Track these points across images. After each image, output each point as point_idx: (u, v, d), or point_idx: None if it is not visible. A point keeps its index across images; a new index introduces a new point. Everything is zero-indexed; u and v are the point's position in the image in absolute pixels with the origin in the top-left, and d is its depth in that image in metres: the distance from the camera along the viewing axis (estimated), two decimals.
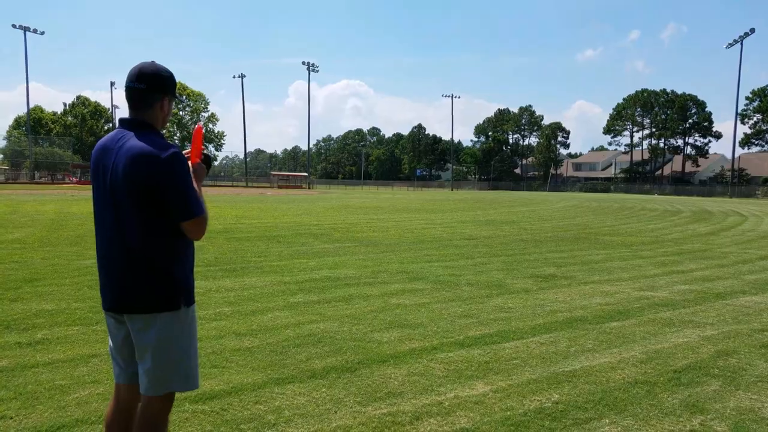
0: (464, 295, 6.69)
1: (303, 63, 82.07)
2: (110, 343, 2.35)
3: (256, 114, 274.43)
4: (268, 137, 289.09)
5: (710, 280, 8.20)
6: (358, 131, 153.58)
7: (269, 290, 6.74)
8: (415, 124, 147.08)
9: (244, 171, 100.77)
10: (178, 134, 78.04)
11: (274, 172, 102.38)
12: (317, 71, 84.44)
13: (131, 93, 2.25)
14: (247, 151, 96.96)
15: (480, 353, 4.47)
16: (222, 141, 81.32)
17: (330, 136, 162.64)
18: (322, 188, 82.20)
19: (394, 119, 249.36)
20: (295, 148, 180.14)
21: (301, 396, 3.54)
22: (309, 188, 73.76)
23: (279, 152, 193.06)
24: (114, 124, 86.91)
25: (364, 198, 41.60)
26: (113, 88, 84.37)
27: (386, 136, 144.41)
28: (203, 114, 79.04)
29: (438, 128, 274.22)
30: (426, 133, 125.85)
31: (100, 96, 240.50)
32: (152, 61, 2.33)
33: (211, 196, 37.25)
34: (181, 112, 77.44)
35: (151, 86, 2.25)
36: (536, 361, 4.31)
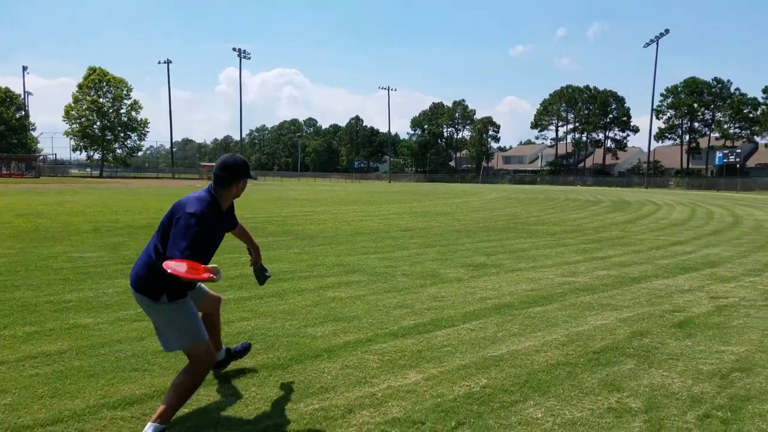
0: (399, 286, 6.79)
1: (234, 49, 79.84)
2: None
3: (185, 101, 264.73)
4: (198, 125, 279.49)
5: (627, 265, 8.73)
6: (294, 121, 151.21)
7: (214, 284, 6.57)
8: (353, 115, 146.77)
9: (170, 162, 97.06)
10: (98, 123, 73.88)
11: (203, 163, 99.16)
12: (249, 58, 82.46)
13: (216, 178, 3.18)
14: (173, 141, 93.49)
15: (413, 342, 4.56)
16: (146, 129, 77.65)
17: (264, 125, 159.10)
18: (257, 180, 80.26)
19: (332, 110, 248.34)
20: (227, 138, 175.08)
21: (230, 396, 3.49)
22: None
23: (209, 142, 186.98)
24: (26, 112, 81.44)
25: (300, 190, 41.15)
26: (26, 73, 79.09)
27: (323, 127, 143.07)
28: (125, 101, 75.04)
29: (376, 120, 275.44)
30: (364, 125, 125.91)
31: (11, 81, 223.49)
32: (231, 154, 3.29)
33: (134, 188, 35.68)
34: (101, 99, 73.21)
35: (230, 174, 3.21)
36: (466, 347, 4.45)
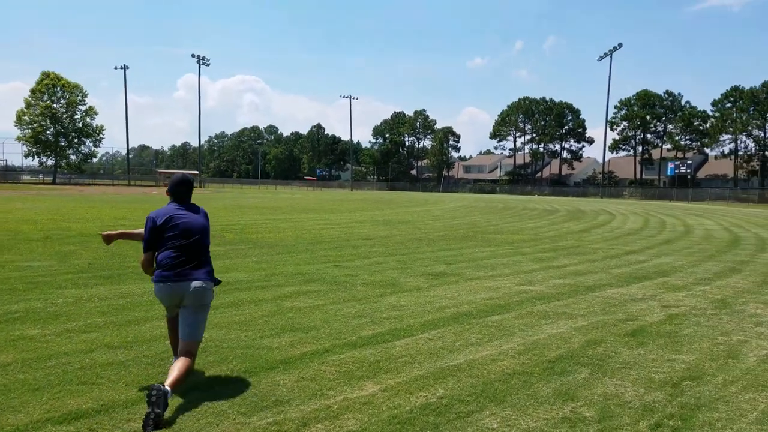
0: (359, 295, 6.73)
1: (193, 55, 78.72)
2: None
3: (142, 107, 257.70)
4: (156, 131, 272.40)
5: (582, 274, 8.91)
6: (254, 128, 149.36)
7: (149, 298, 6.32)
8: (315, 123, 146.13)
9: (126, 168, 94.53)
10: (52, 129, 71.37)
11: (159, 170, 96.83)
12: (208, 65, 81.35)
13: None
14: (130, 147, 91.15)
15: (372, 353, 4.51)
16: (101, 136, 75.41)
17: (224, 132, 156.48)
18: (215, 187, 79.11)
19: (293, 117, 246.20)
20: (185, 145, 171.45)
21: (180, 411, 3.35)
22: (200, 187, 70.59)
23: (167, 148, 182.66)
24: None
25: (260, 198, 40.61)
26: None
27: (284, 135, 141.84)
28: (80, 107, 72.70)
29: (338, 128, 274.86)
30: (325, 133, 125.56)
31: None
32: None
33: (88, 195, 34.51)
34: (54, 105, 70.76)
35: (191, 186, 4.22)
36: (424, 357, 4.42)
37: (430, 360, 4.37)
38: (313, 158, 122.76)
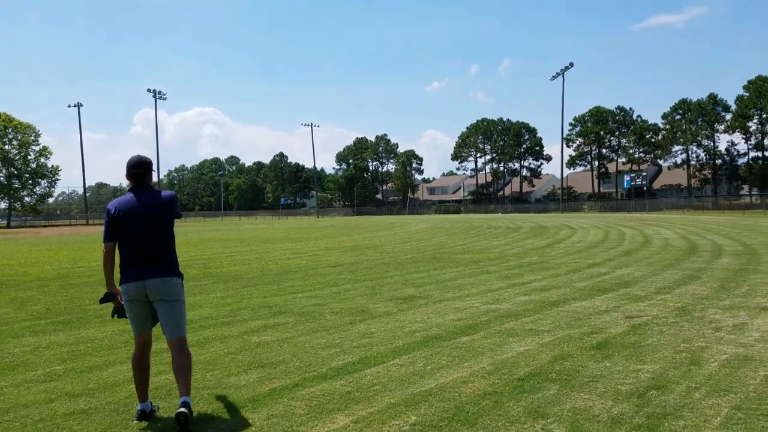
0: (328, 325, 6.67)
1: (149, 90, 77.96)
2: None
3: (99, 144, 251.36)
4: (113, 168, 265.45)
5: (547, 289, 9.06)
6: (215, 160, 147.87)
7: (110, 342, 6.14)
8: (277, 152, 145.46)
9: (84, 207, 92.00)
10: (4, 171, 69.15)
11: None
12: (165, 98, 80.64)
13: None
14: (87, 185, 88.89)
15: (342, 384, 4.46)
16: (57, 177, 73.47)
17: (184, 165, 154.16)
18: (178, 222, 77.55)
19: (255, 147, 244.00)
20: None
21: None
22: None
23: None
24: None
25: (224, 230, 40.02)
26: None
27: (247, 165, 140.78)
28: (33, 147, 70.76)
29: (301, 156, 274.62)
30: (288, 161, 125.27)
31: None
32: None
33: (45, 238, 33.40)
34: (6, 146, 68.71)
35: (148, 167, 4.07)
36: (395, 385, 4.40)
37: (401, 387, 4.35)
38: (278, 187, 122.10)
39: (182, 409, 3.53)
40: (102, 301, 4.05)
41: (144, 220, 3.85)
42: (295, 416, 3.80)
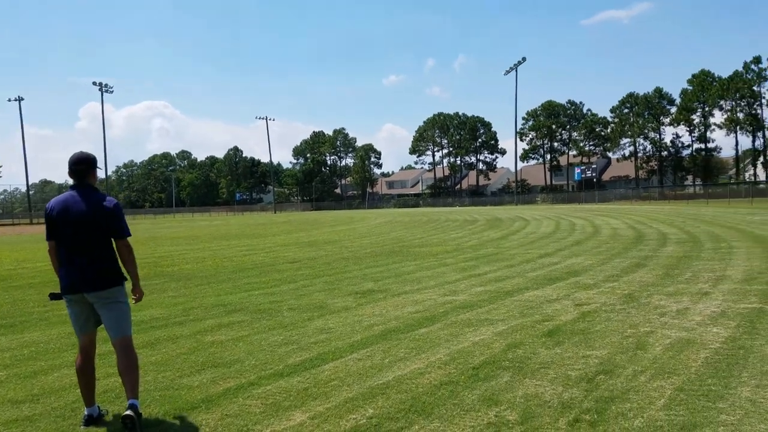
0: (285, 322, 6.61)
1: (94, 83, 75.22)
2: None
3: (42, 139, 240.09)
4: (59, 165, 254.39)
5: (501, 280, 9.24)
6: (165, 155, 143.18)
7: (56, 345, 5.91)
8: (231, 146, 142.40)
9: (27, 206, 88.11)
10: None
11: None
12: (112, 92, 77.97)
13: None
14: (30, 183, 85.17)
15: (299, 380, 4.43)
16: None
17: (133, 161, 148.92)
18: (127, 219, 75.07)
19: (208, 142, 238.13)
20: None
21: None
22: None
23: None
24: None
25: (176, 227, 39.05)
26: None
27: (199, 160, 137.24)
28: None
29: (256, 150, 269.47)
30: (243, 155, 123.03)
31: None
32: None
33: None
34: None
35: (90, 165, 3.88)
36: (353, 379, 4.40)
37: (359, 381, 4.36)
38: (232, 182, 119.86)
39: (128, 413, 3.44)
40: (52, 297, 3.87)
41: (77, 226, 3.68)
42: (251, 415, 3.75)
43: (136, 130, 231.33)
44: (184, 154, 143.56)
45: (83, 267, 3.67)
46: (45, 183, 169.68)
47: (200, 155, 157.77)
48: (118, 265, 3.84)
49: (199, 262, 13.88)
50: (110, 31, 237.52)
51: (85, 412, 3.76)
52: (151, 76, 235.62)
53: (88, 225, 3.69)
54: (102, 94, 75.97)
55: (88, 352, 3.83)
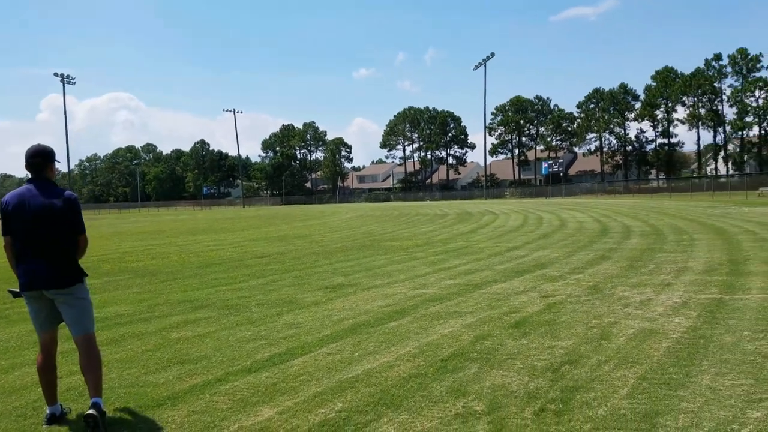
0: (254, 317, 6.54)
1: (56, 74, 72.97)
2: None
3: (3, 132, 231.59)
4: (19, 159, 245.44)
5: (470, 273, 9.33)
6: (130, 148, 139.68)
7: (16, 343, 5.74)
8: (198, 139, 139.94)
9: None
10: None
11: None
12: (74, 83, 75.72)
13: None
14: None
15: (267, 376, 4.39)
16: None
17: (96, 154, 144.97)
18: (90, 214, 73.35)
19: (174, 135, 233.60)
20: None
21: None
22: None
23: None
24: None
25: (142, 222, 38.25)
26: None
27: (165, 153, 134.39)
28: None
29: (224, 143, 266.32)
30: (211, 149, 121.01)
31: None
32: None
33: None
34: None
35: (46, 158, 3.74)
36: (322, 373, 4.39)
37: (328, 375, 4.34)
38: (199, 176, 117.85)
39: (91, 411, 3.37)
40: (13, 295, 3.77)
41: (35, 222, 3.58)
42: (218, 411, 3.71)
43: (99, 123, 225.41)
44: (150, 148, 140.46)
45: (41, 263, 3.57)
46: (5, 177, 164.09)
47: (166, 148, 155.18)
48: (75, 260, 3.73)
49: (164, 258, 13.63)
50: (73, 22, 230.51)
51: (48, 411, 3.68)
52: (116, 68, 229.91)
53: (46, 220, 3.58)
54: (64, 86, 73.85)
55: (49, 350, 3.73)
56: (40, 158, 3.69)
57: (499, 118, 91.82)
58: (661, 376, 4.01)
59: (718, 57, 71.11)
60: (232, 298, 7.79)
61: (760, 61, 68.61)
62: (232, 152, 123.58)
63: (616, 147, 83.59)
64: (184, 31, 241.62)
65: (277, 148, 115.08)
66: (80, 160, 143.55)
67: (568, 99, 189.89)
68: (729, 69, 70.79)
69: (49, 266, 3.58)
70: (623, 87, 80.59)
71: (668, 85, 75.19)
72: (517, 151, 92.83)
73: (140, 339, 5.72)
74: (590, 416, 3.38)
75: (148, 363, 4.86)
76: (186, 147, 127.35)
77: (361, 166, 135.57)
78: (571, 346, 4.84)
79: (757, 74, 68.76)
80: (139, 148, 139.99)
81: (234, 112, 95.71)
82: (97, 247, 17.38)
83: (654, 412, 3.40)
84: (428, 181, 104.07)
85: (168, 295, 8.33)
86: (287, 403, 3.79)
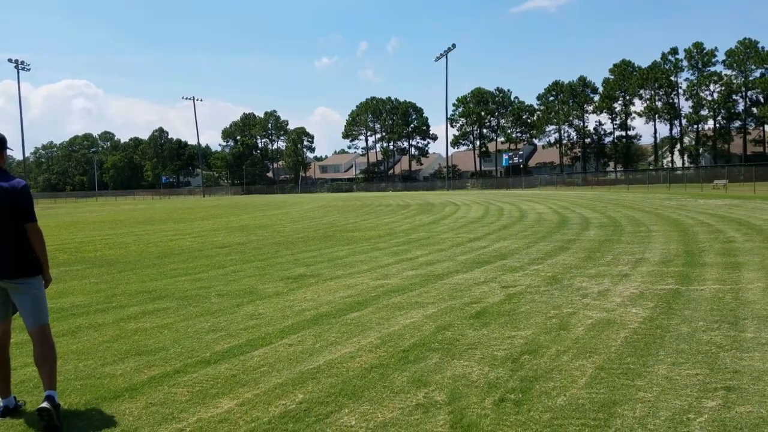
0: (213, 308, 6.44)
1: (10, 60, 69.95)
2: None
3: None
4: None
5: (432, 263, 9.42)
6: (87, 136, 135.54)
7: None
8: (156, 127, 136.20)
9: None
10: None
11: None
12: (28, 70, 72.59)
13: None
14: None
15: (227, 367, 4.34)
16: None
17: (53, 142, 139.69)
18: (46, 203, 70.70)
19: (132, 122, 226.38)
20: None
21: None
22: None
23: None
24: None
25: (99, 211, 37.07)
26: None
27: (122, 141, 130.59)
28: None
29: (183, 132, 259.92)
30: (169, 137, 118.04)
31: None
32: None
33: None
34: None
35: None
36: (283, 365, 4.36)
37: (289, 366, 4.32)
38: (158, 165, 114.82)
39: (44, 404, 3.28)
40: None
41: None
42: (176, 403, 3.64)
43: (55, 110, 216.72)
44: (107, 136, 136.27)
45: None
46: None
47: (124, 136, 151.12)
48: (30, 254, 3.59)
49: (122, 248, 13.26)
50: (29, 6, 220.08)
51: (1, 403, 3.58)
52: (72, 55, 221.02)
53: (4, 208, 3.47)
54: (18, 72, 70.79)
55: (2, 342, 3.61)
56: None
57: (460, 109, 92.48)
58: (619, 366, 4.11)
59: (674, 51, 73.24)
60: (191, 289, 7.65)
61: (715, 56, 71.01)
62: (192, 141, 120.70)
63: (575, 139, 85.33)
64: (142, 14, 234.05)
65: (238, 137, 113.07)
66: (36, 147, 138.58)
67: (528, 91, 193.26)
68: (685, 63, 73.05)
69: (2, 256, 3.48)
70: (582, 80, 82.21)
71: (626, 78, 77.06)
72: (478, 143, 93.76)
73: (97, 330, 5.56)
74: (549, 406, 3.46)
75: (105, 354, 4.74)
76: (144, 135, 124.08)
77: (324, 156, 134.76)
78: (530, 336, 4.94)
79: (713, 68, 71.21)
80: (97, 136, 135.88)
81: (194, 99, 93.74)
82: (53, 236, 16.75)
83: (612, 401, 3.50)
84: (390, 171, 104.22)
85: (126, 285, 8.11)
86: (247, 395, 3.75)
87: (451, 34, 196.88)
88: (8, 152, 3.73)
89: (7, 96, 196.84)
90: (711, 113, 71.42)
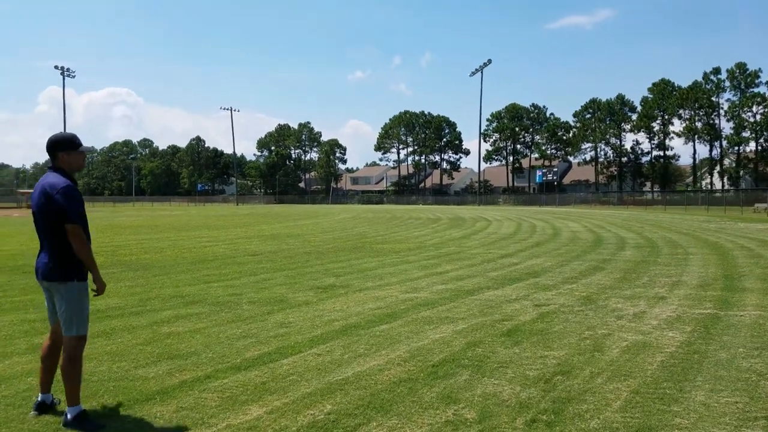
0: (245, 315, 6.50)
1: (56, 67, 72.65)
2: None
3: (1, 123, 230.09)
4: (15, 149, 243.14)
5: (462, 279, 9.32)
6: (127, 142, 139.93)
7: (8, 331, 5.68)
8: (193, 135, 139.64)
9: None
10: None
11: (21, 190, 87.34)
12: (74, 77, 75.37)
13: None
14: None
15: (257, 374, 4.36)
16: None
17: (93, 147, 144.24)
18: (85, 206, 72.54)
19: (170, 130, 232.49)
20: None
21: None
22: None
23: (29, 166, 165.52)
24: None
25: (136, 216, 38.03)
26: None
27: (161, 149, 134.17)
28: None
29: (219, 141, 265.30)
30: (206, 145, 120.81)
31: None
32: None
33: None
34: None
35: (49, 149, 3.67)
36: (312, 374, 4.36)
37: (318, 376, 4.31)
38: (194, 172, 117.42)
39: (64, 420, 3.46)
40: None
41: (36, 212, 3.66)
42: (206, 408, 3.67)
43: (97, 117, 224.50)
44: (146, 143, 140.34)
45: (41, 252, 3.63)
46: (2, 167, 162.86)
47: (162, 144, 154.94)
48: (68, 258, 3.54)
49: (158, 252, 13.54)
50: (75, 15, 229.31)
51: (39, 398, 3.65)
52: (115, 63, 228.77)
53: (38, 209, 3.60)
54: (63, 79, 73.47)
55: (55, 340, 3.69)
56: (48, 148, 3.72)
57: (494, 124, 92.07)
58: (655, 391, 3.99)
59: (716, 71, 71.48)
60: (223, 295, 7.74)
61: (758, 77, 69.01)
62: (228, 150, 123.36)
63: (611, 158, 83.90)
64: (183, 27, 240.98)
65: (272, 147, 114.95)
66: None
67: (563, 108, 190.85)
68: (727, 83, 71.15)
69: (45, 256, 3.59)
70: (620, 98, 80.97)
71: (665, 97, 75.57)
72: (511, 158, 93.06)
73: (131, 333, 5.66)
74: (582, 428, 3.36)
75: (138, 357, 4.82)
76: (182, 143, 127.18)
77: (355, 168, 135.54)
78: (563, 357, 4.82)
79: (756, 90, 69.24)
80: (136, 143, 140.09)
81: (231, 110, 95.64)
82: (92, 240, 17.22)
83: (647, 427, 3.38)
84: (421, 185, 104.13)
85: (160, 289, 8.27)
86: (276, 403, 3.76)
87: (485, 49, 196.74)
88: (65, 154, 3.66)
89: (52, 101, 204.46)
90: (753, 135, 69.32)
